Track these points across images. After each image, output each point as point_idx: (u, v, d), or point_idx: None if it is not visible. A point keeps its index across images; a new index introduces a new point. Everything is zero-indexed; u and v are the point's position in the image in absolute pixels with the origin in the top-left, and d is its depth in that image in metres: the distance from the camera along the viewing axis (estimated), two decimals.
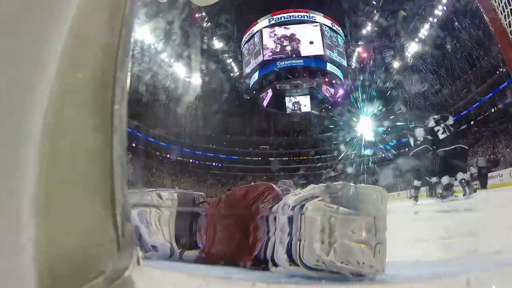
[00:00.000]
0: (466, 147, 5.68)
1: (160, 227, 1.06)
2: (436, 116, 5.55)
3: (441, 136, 5.33)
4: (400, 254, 1.11)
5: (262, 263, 0.88)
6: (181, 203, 1.14)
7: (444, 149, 5.23)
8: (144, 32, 16.25)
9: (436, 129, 5.40)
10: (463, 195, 4.97)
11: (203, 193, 1.23)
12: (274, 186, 1.15)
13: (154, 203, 1.10)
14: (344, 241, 0.75)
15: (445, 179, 5.17)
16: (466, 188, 5.00)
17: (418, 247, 1.33)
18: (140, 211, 1.08)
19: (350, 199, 0.78)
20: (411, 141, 5.94)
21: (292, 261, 0.80)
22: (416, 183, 6.05)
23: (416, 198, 5.95)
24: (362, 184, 0.85)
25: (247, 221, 0.97)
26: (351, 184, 0.83)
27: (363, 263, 0.74)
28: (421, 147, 5.64)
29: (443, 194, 5.22)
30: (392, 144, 19.98)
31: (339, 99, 21.62)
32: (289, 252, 0.81)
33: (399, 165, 13.42)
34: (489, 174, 10.20)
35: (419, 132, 5.70)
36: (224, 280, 0.77)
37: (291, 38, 19.75)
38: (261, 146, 25.07)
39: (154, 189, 1.18)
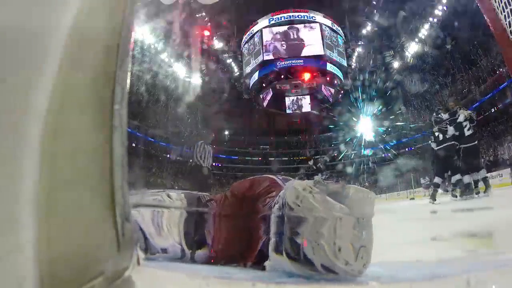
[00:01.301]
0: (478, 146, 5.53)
1: (170, 229, 1.05)
2: (466, 112, 5.31)
3: (466, 133, 5.15)
4: (400, 254, 1.11)
5: (263, 261, 0.88)
6: (189, 203, 1.13)
7: (465, 145, 5.11)
8: (144, 32, 16.24)
9: (464, 124, 5.20)
10: (484, 192, 4.94)
11: (207, 193, 1.21)
12: (277, 180, 1.13)
13: (165, 204, 1.08)
14: (321, 217, 0.71)
15: (467, 178, 5.06)
16: (490, 186, 4.99)
17: (418, 247, 1.33)
18: (152, 210, 1.06)
19: (338, 198, 0.76)
20: (440, 135, 5.49)
21: (279, 251, 0.79)
22: (437, 179, 5.66)
23: (434, 196, 5.49)
24: (351, 185, 0.83)
25: (253, 218, 0.96)
26: (343, 184, 0.81)
27: (339, 250, 0.68)
28: (449, 143, 5.33)
29: (464, 192, 5.09)
30: (392, 143, 19.98)
31: (339, 99, 21.62)
32: (278, 241, 0.80)
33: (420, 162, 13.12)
34: (489, 174, 10.16)
35: (451, 130, 5.34)
36: (224, 280, 0.77)
37: (291, 38, 19.76)
38: (261, 146, 25.05)
39: (162, 190, 1.16)
